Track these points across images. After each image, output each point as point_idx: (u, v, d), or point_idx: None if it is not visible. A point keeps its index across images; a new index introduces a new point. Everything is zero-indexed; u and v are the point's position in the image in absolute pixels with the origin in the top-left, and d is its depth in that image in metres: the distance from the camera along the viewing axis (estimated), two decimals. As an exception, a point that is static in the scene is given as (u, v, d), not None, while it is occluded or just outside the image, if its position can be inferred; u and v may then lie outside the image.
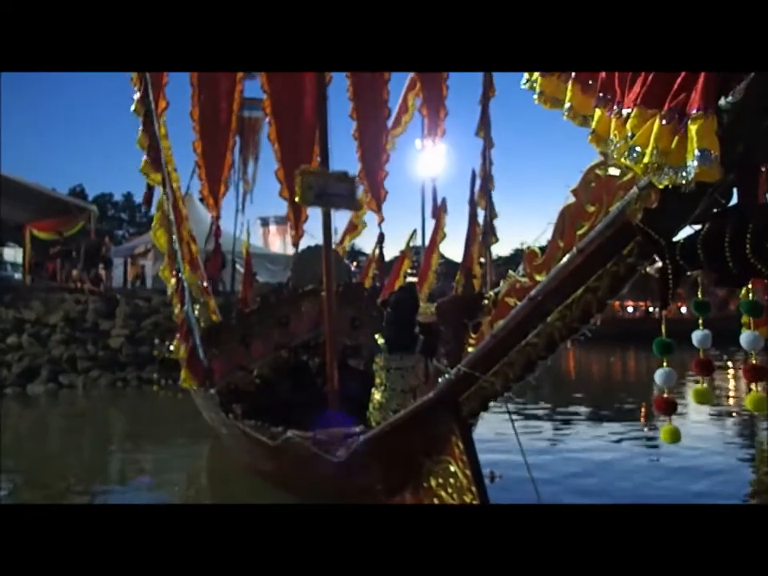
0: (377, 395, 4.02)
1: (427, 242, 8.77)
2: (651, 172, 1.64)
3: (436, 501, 3.06)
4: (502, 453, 4.67)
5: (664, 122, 1.60)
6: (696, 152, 1.50)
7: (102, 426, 9.22)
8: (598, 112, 1.90)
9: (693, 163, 1.51)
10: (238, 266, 14.80)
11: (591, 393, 12.39)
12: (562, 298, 2.31)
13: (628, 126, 1.71)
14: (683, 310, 19.70)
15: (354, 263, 16.75)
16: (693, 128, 1.52)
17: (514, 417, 4.06)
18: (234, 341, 6.35)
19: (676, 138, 1.57)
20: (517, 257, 29.61)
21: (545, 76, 2.18)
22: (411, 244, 8.81)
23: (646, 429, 7.83)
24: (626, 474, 5.39)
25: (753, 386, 1.92)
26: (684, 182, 1.56)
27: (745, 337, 1.91)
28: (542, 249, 2.47)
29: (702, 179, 1.53)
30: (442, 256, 7.92)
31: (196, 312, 5.84)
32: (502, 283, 2.83)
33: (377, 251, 8.71)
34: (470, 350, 2.94)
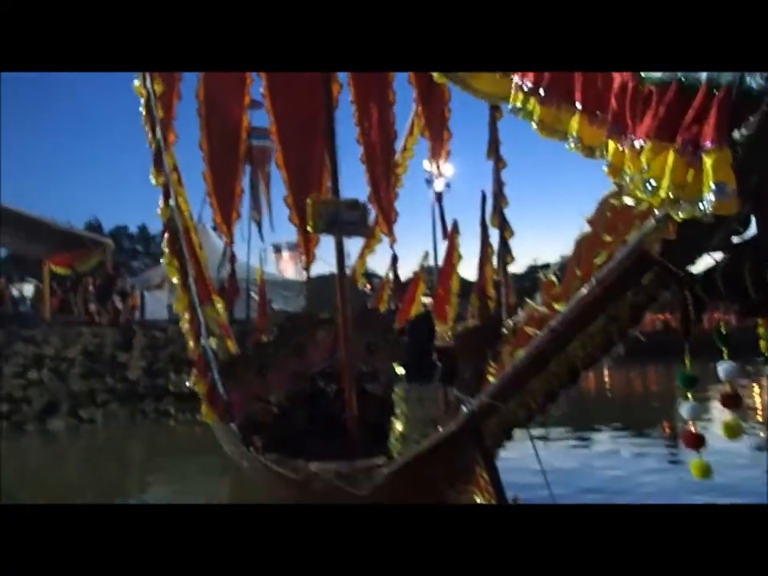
0: (398, 426, 4.01)
1: (440, 263, 8.76)
2: (668, 205, 1.64)
3: (462, 533, 3.04)
4: (522, 473, 4.58)
5: (678, 154, 1.60)
6: (712, 185, 1.50)
7: (121, 461, 9.23)
8: (611, 144, 1.90)
9: (709, 197, 1.51)
10: (252, 294, 14.86)
11: (612, 410, 12.25)
12: (583, 328, 2.30)
13: (642, 158, 1.71)
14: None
15: (368, 285, 16.75)
16: (708, 161, 1.52)
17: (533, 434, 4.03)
18: (251, 372, 6.36)
19: (691, 171, 1.57)
20: (531, 273, 29.49)
21: (544, 105, 2.17)
22: (424, 265, 8.83)
23: (669, 448, 7.71)
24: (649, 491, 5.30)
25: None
26: (701, 215, 1.55)
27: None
28: (558, 277, 2.47)
29: (719, 212, 1.53)
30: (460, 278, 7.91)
31: (213, 345, 5.87)
32: (519, 311, 2.83)
33: (391, 274, 8.73)
34: (490, 378, 2.93)
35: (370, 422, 5.06)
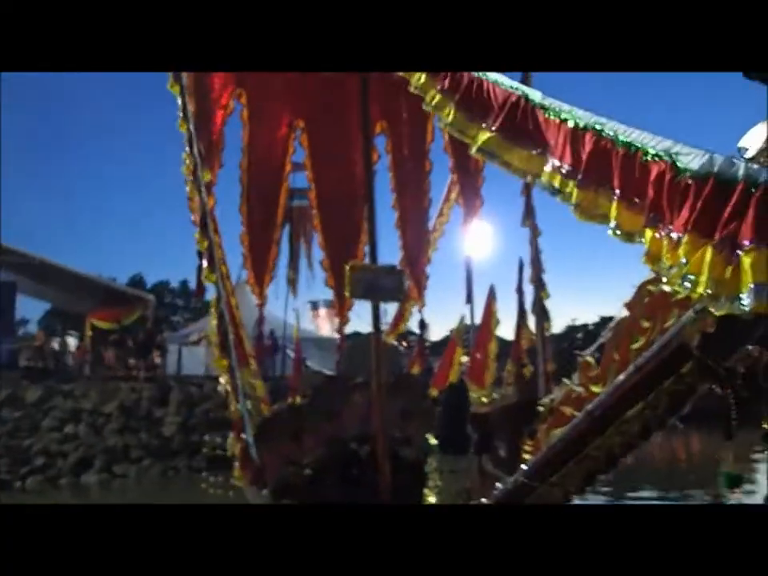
0: (431, 498, 3.94)
1: (476, 323, 8.71)
2: (706, 300, 1.65)
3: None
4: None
5: (717, 251, 1.61)
6: (751, 285, 1.51)
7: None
8: (648, 233, 1.92)
9: (748, 296, 1.51)
10: (288, 351, 14.97)
11: (654, 477, 11.79)
12: (621, 414, 2.27)
13: (680, 251, 1.72)
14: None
15: (405, 342, 16.73)
16: (746, 260, 1.53)
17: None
18: (285, 436, 6.34)
19: (730, 268, 1.58)
20: (569, 334, 29.05)
21: (581, 189, 2.21)
22: (460, 329, 8.80)
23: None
24: None
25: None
26: (740, 312, 1.56)
27: None
28: (596, 359, 2.46)
29: (759, 311, 1.53)
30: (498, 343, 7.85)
31: (249, 407, 5.90)
32: (556, 390, 2.81)
33: (422, 339, 8.73)
34: (526, 456, 2.90)
35: (402, 488, 4.97)
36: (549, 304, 6.85)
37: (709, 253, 1.62)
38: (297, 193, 10.15)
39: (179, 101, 5.57)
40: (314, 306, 23.68)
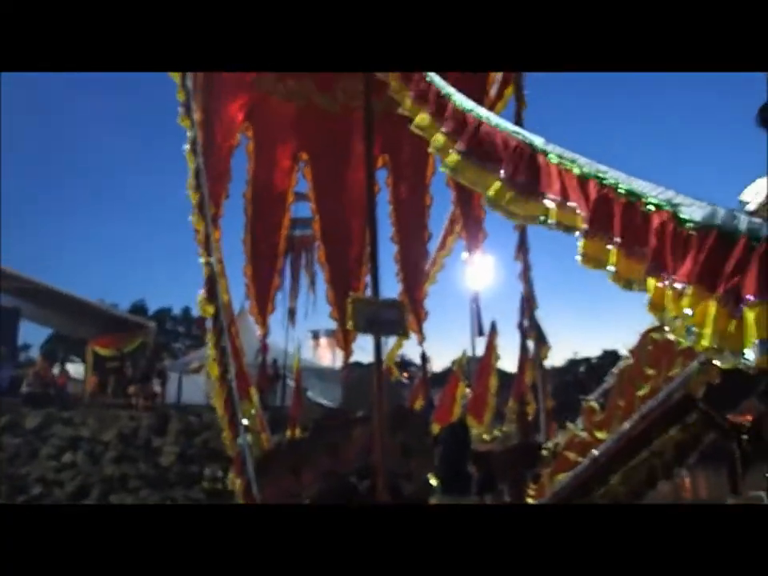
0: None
1: (478, 356, 8.70)
2: (711, 353, 1.65)
3: None
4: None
5: (721, 305, 1.62)
6: (755, 341, 1.51)
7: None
8: (651, 282, 1.93)
9: (753, 351, 1.51)
10: (288, 381, 14.89)
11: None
12: (626, 461, 2.25)
13: (684, 303, 1.73)
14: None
15: (406, 374, 16.64)
16: (750, 315, 1.54)
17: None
18: (285, 470, 6.30)
19: (734, 322, 1.59)
20: (571, 368, 28.87)
21: (588, 238, 2.23)
22: (462, 364, 8.77)
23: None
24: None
25: None
26: (744, 367, 1.56)
27: None
28: (601, 404, 2.45)
29: (763, 367, 1.52)
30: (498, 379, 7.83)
31: (249, 440, 5.86)
32: (560, 435, 2.80)
33: (423, 372, 8.72)
34: (529, 501, 2.86)
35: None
36: (550, 336, 6.85)
37: (713, 306, 1.63)
38: (298, 222, 10.22)
39: (188, 133, 5.64)
40: (315, 335, 23.63)
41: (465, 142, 2.55)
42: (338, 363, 16.82)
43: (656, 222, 1.93)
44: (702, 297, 1.67)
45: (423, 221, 8.48)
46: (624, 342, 2.41)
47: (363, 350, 10.18)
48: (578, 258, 2.24)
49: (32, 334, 37.22)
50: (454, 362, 8.55)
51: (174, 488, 12.31)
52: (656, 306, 1.91)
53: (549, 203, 2.25)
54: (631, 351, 2.22)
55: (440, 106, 3.25)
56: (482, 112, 2.81)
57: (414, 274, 8.37)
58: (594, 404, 2.46)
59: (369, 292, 6.93)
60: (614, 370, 2.35)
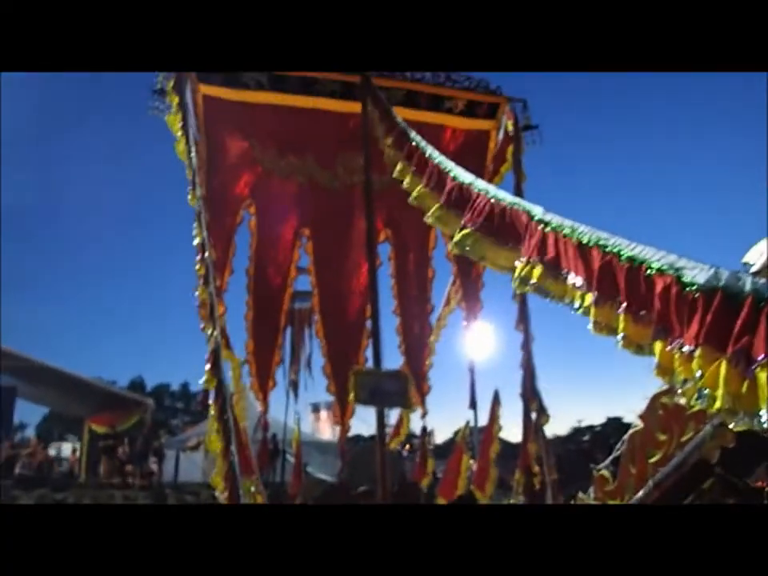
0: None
1: (480, 425, 8.56)
2: (725, 415, 1.63)
3: None
4: None
5: (732, 365, 1.61)
6: (768, 403, 1.50)
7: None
8: (658, 345, 1.93)
9: (767, 412, 1.50)
10: (288, 456, 14.57)
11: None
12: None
13: (694, 365, 1.72)
14: None
15: (408, 446, 16.33)
16: (762, 376, 1.53)
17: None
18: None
19: (746, 383, 1.58)
20: (575, 436, 28.37)
21: (598, 306, 2.24)
22: (466, 435, 8.61)
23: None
24: None
25: None
26: (760, 428, 1.54)
27: None
28: (612, 474, 2.40)
29: (780, 428, 1.51)
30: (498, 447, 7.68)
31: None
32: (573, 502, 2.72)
33: (426, 445, 8.54)
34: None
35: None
36: (552, 405, 6.75)
37: (724, 367, 1.62)
38: (298, 295, 10.27)
39: (195, 209, 5.76)
40: (316, 408, 23.31)
41: (473, 218, 2.62)
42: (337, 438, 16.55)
43: (660, 286, 1.95)
44: (711, 357, 1.67)
45: (426, 294, 8.54)
46: (628, 407, 2.39)
47: (365, 422, 10.02)
48: (590, 326, 2.25)
49: (28, 413, 36.70)
50: (456, 433, 8.40)
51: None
52: (664, 370, 1.91)
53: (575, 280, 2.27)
54: (641, 416, 2.19)
55: (439, 180, 3.34)
56: (482, 185, 2.89)
57: (417, 347, 8.35)
58: (606, 472, 2.40)
59: (370, 365, 6.88)
60: (625, 437, 2.31)
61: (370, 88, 5.68)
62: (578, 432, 30.08)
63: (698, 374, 1.69)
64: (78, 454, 17.60)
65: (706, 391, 1.66)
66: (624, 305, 2.10)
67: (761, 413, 1.52)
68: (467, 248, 2.69)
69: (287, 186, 7.71)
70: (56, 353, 72.40)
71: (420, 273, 8.42)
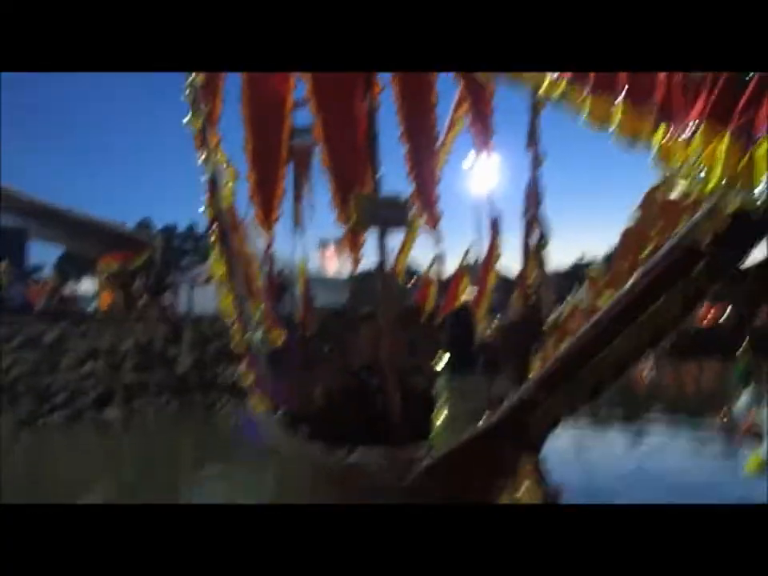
0: (439, 419, 4.00)
1: (481, 260, 8.71)
2: (720, 194, 1.61)
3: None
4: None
5: (733, 139, 1.57)
6: (764, 177, 1.47)
7: (174, 451, 9.53)
8: (658, 135, 1.87)
9: (762, 187, 1.48)
10: (296, 292, 15.01)
11: (663, 404, 11.99)
12: (630, 321, 2.26)
13: (694, 144, 1.68)
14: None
15: (411, 282, 16.77)
16: (760, 151, 1.49)
17: (585, 430, 3.96)
18: (296, 365, 6.46)
19: (745, 158, 1.54)
20: (577, 270, 28.94)
21: (594, 95, 2.13)
22: (466, 263, 8.77)
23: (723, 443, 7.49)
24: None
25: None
26: (753, 206, 1.52)
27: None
28: (604, 271, 2.44)
29: (772, 204, 1.49)
30: (497, 274, 7.85)
31: (259, 338, 5.99)
32: (563, 307, 2.80)
33: (434, 272, 8.71)
34: (533, 373, 2.91)
35: (411, 417, 5.07)
36: (555, 235, 6.77)
37: (725, 140, 1.58)
38: (297, 132, 9.96)
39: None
40: (323, 244, 23.53)
41: None
42: (345, 272, 16.91)
43: (663, 73, 1.85)
44: (713, 133, 1.62)
45: (430, 120, 8.24)
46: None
47: (369, 260, 10.17)
48: (584, 116, 2.16)
49: (43, 255, 37.49)
50: (461, 261, 8.54)
51: (192, 392, 12.76)
52: (663, 155, 1.86)
53: None
54: (635, 213, 2.18)
55: None
56: None
57: (426, 174, 8.22)
58: (597, 270, 2.44)
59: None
60: (620, 232, 2.31)
61: None
62: (579, 268, 30.63)
63: (698, 150, 1.65)
64: (94, 290, 18.17)
65: (704, 171, 1.63)
66: (624, 92, 2.00)
67: (757, 188, 1.50)
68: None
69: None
70: (65, 197, 72.43)
71: (424, 98, 8.08)
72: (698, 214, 1.81)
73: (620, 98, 1.97)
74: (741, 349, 1.97)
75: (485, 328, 6.51)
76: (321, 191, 9.16)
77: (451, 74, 7.82)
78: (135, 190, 72.35)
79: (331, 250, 22.90)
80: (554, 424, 2.87)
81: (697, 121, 1.65)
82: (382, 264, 5.50)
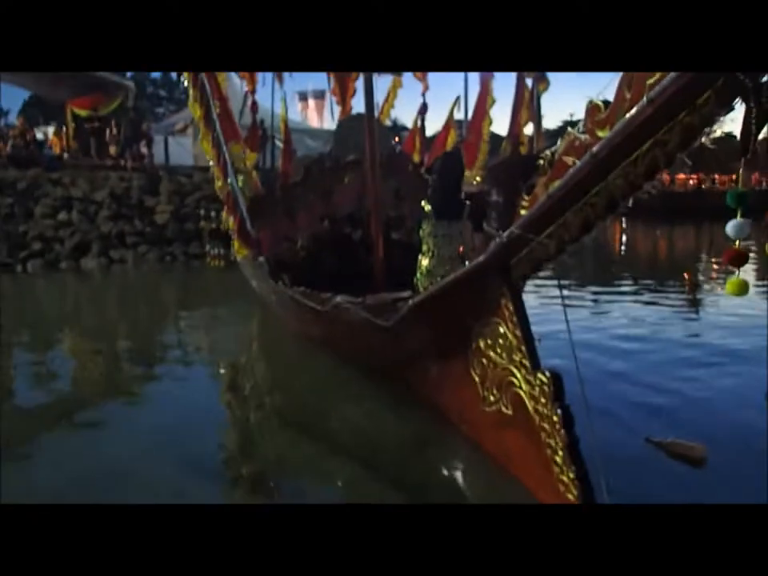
0: (424, 262, 4.01)
1: (470, 114, 8.38)
2: None
3: (485, 361, 3.14)
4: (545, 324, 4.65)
5: None
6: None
7: (154, 299, 9.63)
8: None
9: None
10: (277, 142, 14.55)
11: (637, 269, 12.28)
12: (629, 153, 2.17)
13: None
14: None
15: (396, 138, 16.33)
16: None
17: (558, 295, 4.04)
18: (279, 212, 6.37)
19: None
20: (566, 130, 28.26)
21: None
22: (455, 112, 8.47)
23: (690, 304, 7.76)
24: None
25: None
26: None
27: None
28: (606, 103, 2.31)
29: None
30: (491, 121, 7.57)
31: (240, 183, 5.84)
32: (559, 141, 2.69)
33: (419, 122, 8.40)
34: (522, 212, 2.86)
35: (395, 266, 5.10)
36: (547, 97, 6.50)
37: None
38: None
39: None
40: (303, 96, 22.61)
41: None
42: (327, 125, 16.32)
43: None
44: None
45: None
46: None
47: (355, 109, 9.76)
48: None
49: (9, 100, 35.51)
50: (450, 110, 8.22)
51: (172, 244, 12.69)
52: None
53: None
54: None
55: None
56: None
57: None
58: (599, 101, 2.30)
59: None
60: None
61: None
62: (568, 125, 29.87)
63: None
64: (64, 136, 17.41)
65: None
66: None
67: None
68: None
69: None
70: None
71: None
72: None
73: None
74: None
75: (474, 177, 6.40)
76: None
77: None
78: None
79: (314, 101, 22.06)
80: (539, 265, 2.87)
81: None
82: (368, 106, 5.24)
